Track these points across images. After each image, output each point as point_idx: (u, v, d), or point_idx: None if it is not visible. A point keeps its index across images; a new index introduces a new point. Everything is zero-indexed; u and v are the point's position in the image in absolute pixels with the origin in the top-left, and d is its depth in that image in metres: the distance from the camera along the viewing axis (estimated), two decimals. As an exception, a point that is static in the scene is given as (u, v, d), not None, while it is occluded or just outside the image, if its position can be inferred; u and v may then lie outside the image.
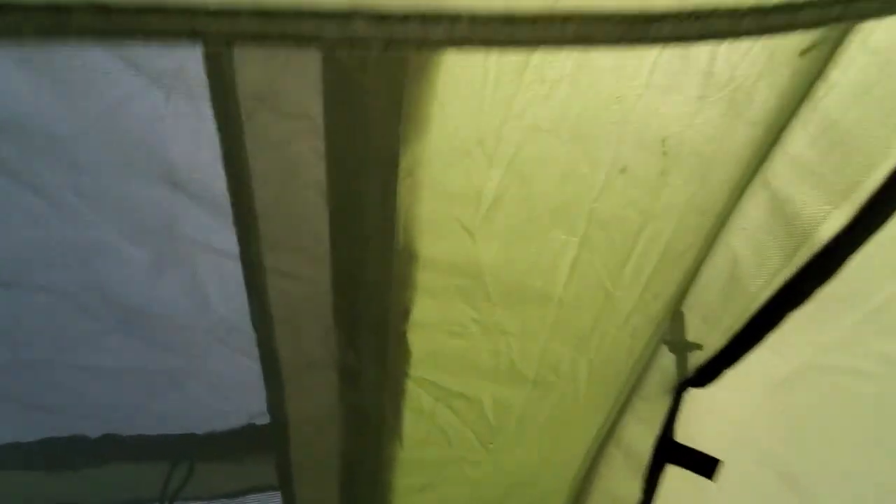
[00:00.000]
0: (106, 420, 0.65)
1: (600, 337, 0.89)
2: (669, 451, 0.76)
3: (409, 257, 0.62)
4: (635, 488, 1.15)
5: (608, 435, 1.18)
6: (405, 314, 0.67)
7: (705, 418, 0.74)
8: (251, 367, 0.66)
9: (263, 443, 0.73)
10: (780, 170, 0.77)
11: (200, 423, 0.69)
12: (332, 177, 0.50)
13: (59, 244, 0.48)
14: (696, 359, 0.87)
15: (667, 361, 1.04)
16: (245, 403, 0.69)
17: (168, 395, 0.65)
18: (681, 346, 0.84)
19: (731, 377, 0.69)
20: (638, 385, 1.10)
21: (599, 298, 0.82)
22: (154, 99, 0.41)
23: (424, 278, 0.65)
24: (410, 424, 0.85)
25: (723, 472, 0.71)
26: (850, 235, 0.57)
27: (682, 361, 0.84)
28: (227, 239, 0.52)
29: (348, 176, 0.51)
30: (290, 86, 0.42)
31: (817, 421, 0.60)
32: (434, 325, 0.71)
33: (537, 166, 0.59)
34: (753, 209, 0.82)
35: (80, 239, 0.47)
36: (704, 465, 0.72)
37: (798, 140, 0.75)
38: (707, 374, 0.71)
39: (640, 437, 1.15)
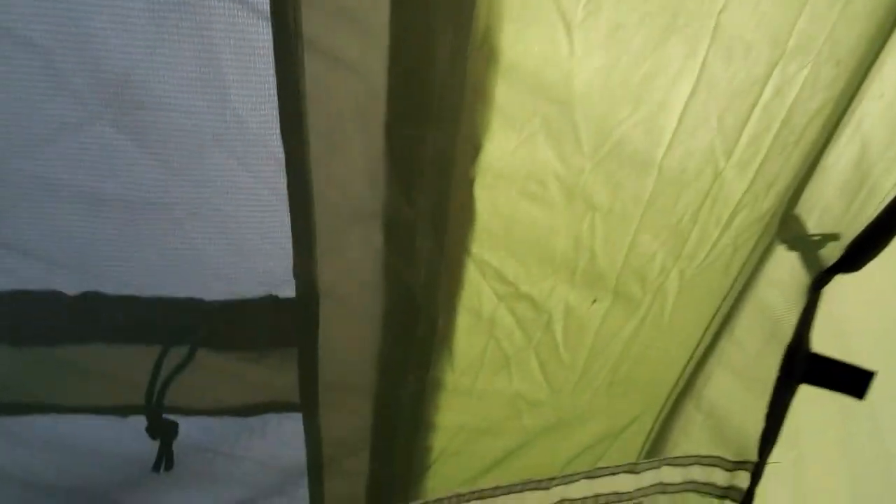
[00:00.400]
0: (85, 271, 0.50)
1: (699, 238, 0.73)
2: (804, 367, 0.59)
3: (488, 54, 0.47)
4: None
5: (686, 388, 1.00)
6: (475, 148, 0.53)
7: (853, 319, 0.57)
8: (277, 209, 0.51)
9: (287, 325, 0.58)
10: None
11: (206, 286, 0.54)
12: None
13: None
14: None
15: (767, 292, 0.87)
16: (265, 263, 0.54)
17: (164, 237, 0.50)
18: (808, 242, 0.67)
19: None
20: (730, 322, 0.92)
21: (707, 175, 0.66)
22: None
23: (504, 94, 0.50)
24: (465, 333, 0.68)
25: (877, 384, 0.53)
26: None
27: (810, 259, 0.67)
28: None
29: None
30: None
31: None
32: (508, 177, 0.56)
33: None
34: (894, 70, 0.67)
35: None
36: (853, 381, 0.54)
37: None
38: (860, 253, 0.54)
39: (730, 395, 0.96)
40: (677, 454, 0.99)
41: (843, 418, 0.58)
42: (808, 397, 0.62)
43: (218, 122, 0.45)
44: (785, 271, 0.73)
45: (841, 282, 0.60)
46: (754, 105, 0.61)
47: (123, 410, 0.56)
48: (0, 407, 0.55)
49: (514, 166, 0.55)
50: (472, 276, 0.63)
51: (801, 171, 0.72)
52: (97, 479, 0.57)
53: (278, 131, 0.46)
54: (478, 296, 0.65)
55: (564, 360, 0.77)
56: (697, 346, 0.89)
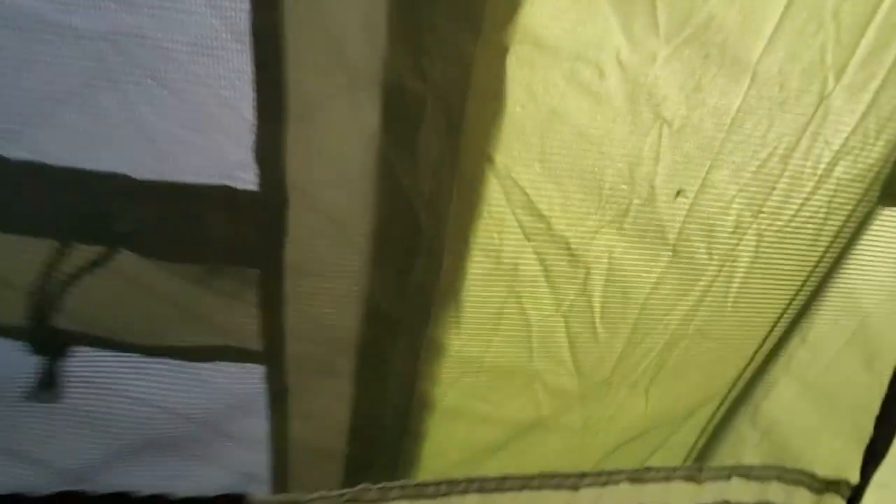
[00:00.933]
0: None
1: (788, 187, 0.56)
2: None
3: None
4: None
5: (741, 398, 0.82)
6: (512, 7, 0.38)
7: None
8: (237, 62, 0.37)
9: (244, 231, 0.44)
10: None
11: (139, 162, 0.40)
12: None
13: None
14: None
15: (855, 281, 0.70)
16: (219, 138, 0.40)
17: (88, 82, 0.37)
18: None
19: None
20: (803, 318, 0.75)
21: (811, 94, 0.51)
22: None
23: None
24: (477, 281, 0.53)
25: None
26: None
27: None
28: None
29: None
30: None
31: None
32: (555, 49, 0.41)
33: None
34: None
35: None
36: None
37: None
38: None
39: (795, 412, 0.78)
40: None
41: None
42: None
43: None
44: (877, 258, 0.57)
45: None
46: (875, 10, 0.46)
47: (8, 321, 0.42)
48: None
49: (565, 36, 0.41)
50: (495, 200, 0.48)
51: (921, 117, 0.57)
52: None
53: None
54: (499, 229, 0.50)
55: (601, 337, 0.61)
56: (763, 342, 0.72)
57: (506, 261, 0.52)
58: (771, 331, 0.70)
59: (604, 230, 0.53)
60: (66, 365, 0.40)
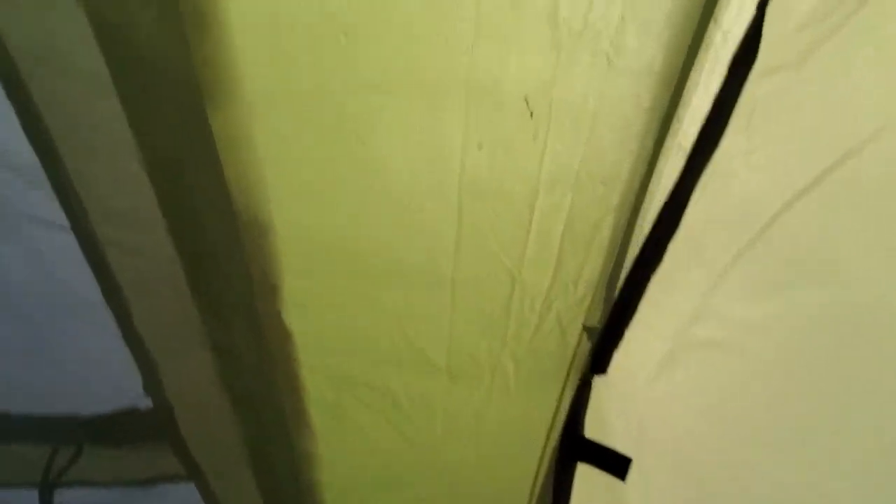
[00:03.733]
0: (-5, 396, 0.68)
1: (518, 324, 0.83)
2: (578, 449, 0.69)
3: (259, 228, 0.61)
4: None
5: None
6: (274, 291, 0.66)
7: (612, 411, 0.66)
8: (118, 346, 0.67)
9: (152, 428, 0.73)
10: (692, 130, 0.70)
11: (83, 404, 0.70)
12: (142, 139, 0.50)
13: None
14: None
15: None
16: (123, 384, 0.69)
17: (44, 371, 0.67)
18: (595, 332, 0.76)
19: (626, 363, 0.62)
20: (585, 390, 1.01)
21: (503, 281, 0.77)
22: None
23: (285, 251, 0.63)
24: (319, 418, 0.82)
25: (634, 469, 0.62)
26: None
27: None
28: (55, 211, 0.54)
29: (157, 137, 0.51)
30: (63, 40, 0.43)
31: (701, 402, 0.52)
32: (312, 304, 0.69)
33: (373, 126, 0.57)
34: (671, 178, 0.74)
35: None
36: (615, 464, 0.64)
37: (704, 95, 0.68)
38: (601, 357, 0.64)
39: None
40: None
41: (615, 490, 0.67)
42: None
43: (58, 294, 0.60)
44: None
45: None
46: (528, 226, 0.71)
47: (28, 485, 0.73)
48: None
49: (314, 297, 0.68)
50: (307, 374, 0.76)
51: (608, 261, 0.81)
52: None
53: (102, 298, 0.61)
54: (317, 387, 0.78)
55: (420, 428, 0.89)
56: (557, 408, 0.98)
57: (331, 402, 0.81)
58: (560, 400, 0.97)
59: (391, 373, 0.80)
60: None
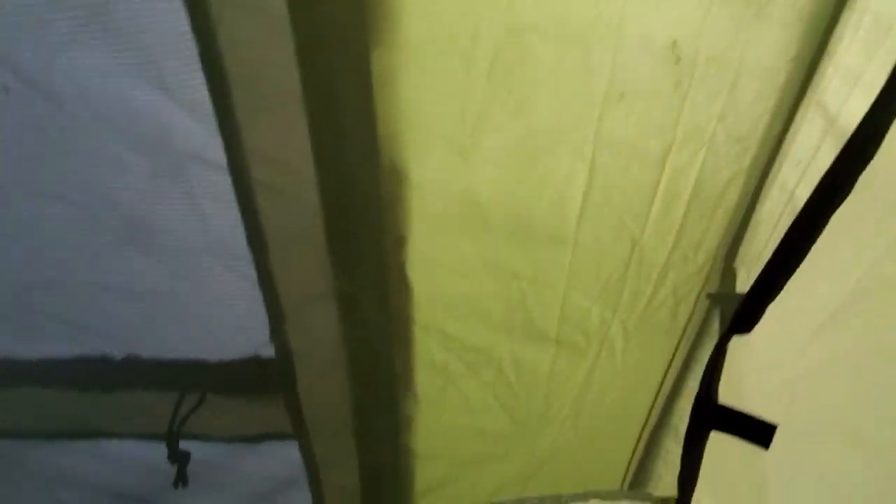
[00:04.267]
0: (127, 342, 0.70)
1: (633, 294, 0.81)
2: (712, 416, 0.65)
3: (397, 177, 0.61)
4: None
5: (661, 422, 1.05)
6: (401, 243, 0.66)
7: (753, 375, 0.63)
8: (253, 294, 0.68)
9: (271, 379, 0.74)
10: (834, 85, 0.67)
11: (210, 351, 0.72)
12: (305, 81, 0.51)
13: (70, 152, 0.54)
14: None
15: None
16: (252, 333, 0.71)
17: (179, 317, 0.69)
18: (729, 299, 0.73)
19: (778, 319, 0.58)
20: (692, 363, 0.97)
21: (624, 245, 0.74)
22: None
23: (418, 204, 0.63)
24: (423, 379, 0.82)
25: (778, 437, 0.59)
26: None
27: (728, 316, 0.72)
28: (215, 149, 0.56)
29: (321, 81, 0.51)
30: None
31: (880, 358, 0.48)
32: (435, 261, 0.69)
33: (523, 73, 0.56)
34: (807, 137, 0.71)
35: (86, 145, 0.53)
36: (757, 432, 0.60)
37: (850, 47, 0.64)
38: (748, 314, 0.60)
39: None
40: (662, 486, 1.05)
41: (752, 464, 0.64)
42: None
43: (204, 239, 0.62)
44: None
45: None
46: (657, 185, 0.69)
47: (156, 437, 0.75)
48: (74, 432, 0.77)
49: (438, 253, 0.68)
50: (420, 335, 0.76)
51: (730, 228, 0.77)
52: (138, 487, 0.78)
53: (246, 242, 0.62)
54: (428, 349, 0.78)
55: (522, 399, 0.88)
56: (661, 385, 0.95)
57: (438, 364, 0.80)
58: (664, 377, 0.93)
59: (501, 340, 0.79)
60: (192, 467, 0.73)
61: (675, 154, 0.66)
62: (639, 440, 1.02)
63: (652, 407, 0.98)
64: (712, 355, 0.67)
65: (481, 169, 0.62)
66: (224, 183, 0.58)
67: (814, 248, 0.50)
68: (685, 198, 0.70)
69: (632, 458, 1.06)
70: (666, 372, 0.94)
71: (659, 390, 0.96)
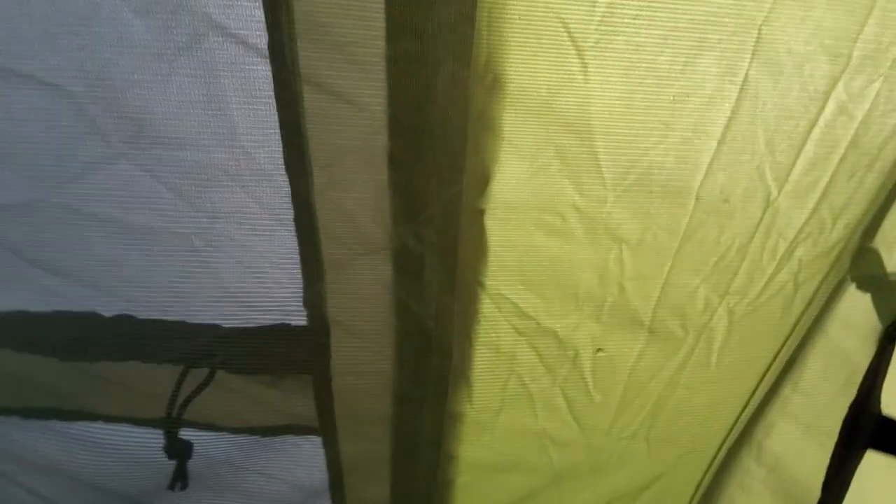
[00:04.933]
0: (118, 295, 0.54)
1: (749, 272, 0.65)
2: (871, 431, 0.50)
3: (492, 82, 0.46)
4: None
5: (742, 438, 0.89)
6: (484, 180, 0.51)
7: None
8: (286, 240, 0.53)
9: (299, 354, 0.59)
10: None
11: (223, 312, 0.56)
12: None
13: (53, 15, 0.38)
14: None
15: (841, 335, 0.76)
16: (279, 292, 0.55)
17: (187, 268, 0.53)
18: (884, 282, 0.57)
19: None
20: (793, 367, 0.81)
21: (756, 204, 0.59)
22: None
23: (513, 122, 0.48)
24: (482, 367, 0.66)
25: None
26: None
27: (886, 302, 0.57)
28: (252, 22, 0.40)
29: None
30: None
31: None
32: (522, 207, 0.53)
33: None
34: None
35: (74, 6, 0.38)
36: None
37: None
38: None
39: (797, 450, 0.84)
40: (736, 510, 0.88)
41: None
42: (878, 465, 0.52)
43: (227, 158, 0.47)
44: (861, 313, 0.63)
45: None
46: (813, 125, 0.54)
47: (151, 423, 0.59)
48: (49, 411, 0.61)
49: (528, 198, 0.52)
50: (488, 310, 0.60)
51: (878, 198, 0.62)
52: (127, 483, 0.61)
53: (283, 165, 0.47)
54: (495, 330, 0.62)
55: (595, 400, 0.72)
56: (754, 392, 0.79)
57: (504, 351, 0.64)
58: (760, 381, 0.77)
59: (585, 322, 0.63)
60: (193, 463, 0.57)
61: (845, 82, 0.51)
62: (716, 455, 0.86)
63: (738, 417, 0.82)
64: (876, 353, 0.52)
65: (602, 83, 0.47)
66: (260, 74, 0.43)
67: None
68: (842, 146, 0.55)
69: (704, 476, 0.90)
70: (763, 376, 0.78)
71: (750, 398, 0.81)
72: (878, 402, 0.50)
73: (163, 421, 0.55)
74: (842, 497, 0.53)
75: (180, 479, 0.56)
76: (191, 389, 0.57)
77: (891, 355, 0.50)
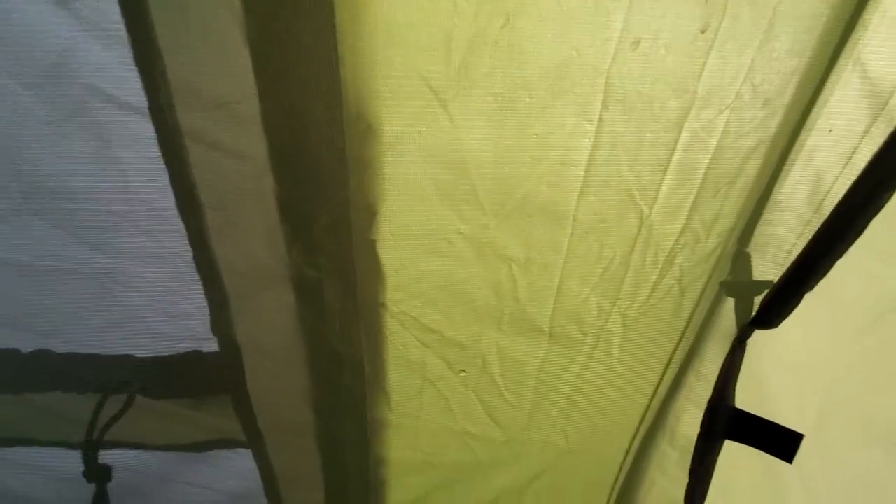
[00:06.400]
0: (36, 331, 0.58)
1: (636, 280, 0.71)
2: (728, 423, 0.56)
3: (366, 129, 0.50)
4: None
5: (656, 424, 0.97)
6: (371, 214, 0.55)
7: (778, 377, 0.54)
8: (188, 274, 0.56)
9: (214, 376, 0.63)
10: (879, 38, 0.58)
11: (140, 344, 0.60)
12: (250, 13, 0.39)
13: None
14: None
15: (732, 327, 0.83)
16: (186, 322, 0.59)
17: (98, 304, 0.57)
18: (744, 288, 0.64)
19: (806, 318, 0.50)
20: (693, 358, 0.89)
21: (630, 222, 0.65)
22: None
23: (390, 163, 0.52)
24: (396, 377, 0.71)
25: (804, 445, 0.50)
26: None
27: (743, 307, 0.64)
28: (132, 85, 0.44)
29: (268, 14, 0.40)
30: None
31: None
32: (411, 236, 0.58)
33: (525, 4, 0.46)
34: (841, 101, 0.62)
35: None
36: (781, 443, 0.51)
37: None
38: (775, 307, 0.52)
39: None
40: (655, 490, 0.96)
41: (772, 478, 0.55)
42: (737, 452, 0.59)
43: (124, 206, 0.50)
44: (720, 340, 0.70)
45: (764, 337, 0.57)
46: (672, 152, 0.60)
47: (77, 446, 0.63)
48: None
49: (414, 227, 0.57)
50: (394, 327, 0.65)
51: (746, 208, 0.69)
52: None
53: (176, 209, 0.50)
54: (403, 344, 0.67)
55: (509, 400, 0.78)
56: (659, 383, 0.86)
57: (414, 361, 0.70)
58: (664, 373, 0.84)
59: (486, 332, 0.69)
60: (121, 481, 0.61)
61: (694, 114, 0.56)
62: (632, 441, 0.94)
63: (648, 407, 0.89)
64: (729, 353, 0.58)
65: (467, 123, 0.51)
66: (145, 132, 0.46)
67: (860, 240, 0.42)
68: (702, 168, 0.61)
69: (624, 461, 0.98)
70: (665, 368, 0.85)
71: (657, 388, 0.88)
72: (733, 397, 0.57)
73: (81, 445, 0.59)
74: (708, 481, 0.60)
75: (101, 501, 0.60)
76: (113, 413, 0.61)
77: (742, 355, 0.57)
